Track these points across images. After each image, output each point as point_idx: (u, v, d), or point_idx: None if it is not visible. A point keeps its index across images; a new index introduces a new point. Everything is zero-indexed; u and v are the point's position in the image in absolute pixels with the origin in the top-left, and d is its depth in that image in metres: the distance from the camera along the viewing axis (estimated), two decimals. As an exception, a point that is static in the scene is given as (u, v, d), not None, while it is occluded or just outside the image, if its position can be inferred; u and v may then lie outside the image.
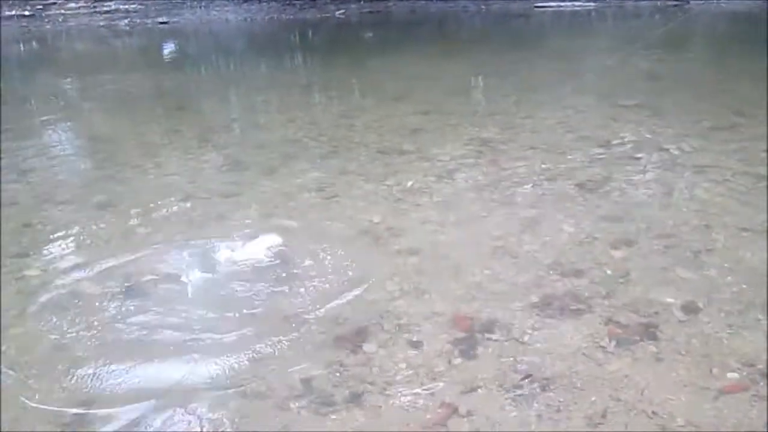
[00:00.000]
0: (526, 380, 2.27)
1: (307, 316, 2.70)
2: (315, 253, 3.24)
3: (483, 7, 15.95)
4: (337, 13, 16.06)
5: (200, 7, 16.04)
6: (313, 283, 2.96)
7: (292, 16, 15.67)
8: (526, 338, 2.51)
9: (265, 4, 16.43)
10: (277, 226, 3.55)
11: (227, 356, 2.45)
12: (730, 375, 2.25)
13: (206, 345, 2.53)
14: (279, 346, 2.51)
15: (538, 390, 2.22)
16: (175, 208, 3.91)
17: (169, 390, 2.27)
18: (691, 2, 15.36)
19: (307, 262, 3.16)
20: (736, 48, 10.27)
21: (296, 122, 5.92)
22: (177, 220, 3.75)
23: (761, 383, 2.20)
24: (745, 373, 2.27)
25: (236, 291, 2.92)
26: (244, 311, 2.75)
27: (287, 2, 16.50)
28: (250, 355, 2.45)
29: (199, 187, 4.26)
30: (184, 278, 3.05)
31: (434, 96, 6.86)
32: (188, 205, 3.95)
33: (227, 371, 2.37)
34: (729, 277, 2.89)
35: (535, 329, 2.56)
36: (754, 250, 3.11)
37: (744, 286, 2.80)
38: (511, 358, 2.39)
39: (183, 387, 2.29)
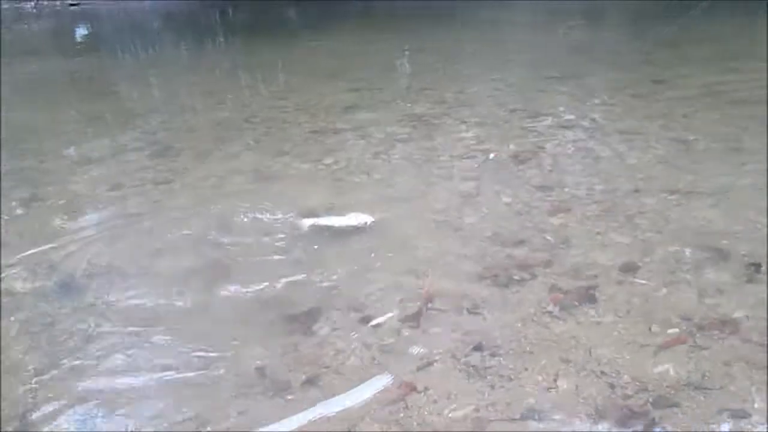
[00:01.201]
0: (478, 351, 2.31)
1: (254, 300, 2.67)
2: (257, 236, 3.19)
3: (409, -18, 15.90)
4: (257, -9, 15.67)
5: (113, -12, 15.35)
6: (258, 267, 2.91)
7: (208, -5, 15.19)
8: (474, 309, 2.55)
9: (182, -17, 15.86)
10: (214, 211, 3.48)
11: (178, 344, 2.39)
12: (669, 330, 2.36)
13: (154, 335, 2.46)
14: (227, 332, 2.47)
15: (490, 359, 2.26)
16: (105, 199, 3.76)
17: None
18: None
19: (250, 245, 3.10)
20: (649, 20, 10.65)
21: (226, 104, 5.79)
22: (108, 212, 3.61)
23: (697, 335, 2.31)
24: (683, 327, 2.38)
25: (177, 276, 2.85)
26: (191, 295, 2.69)
27: (204, -20, 15.96)
28: (200, 344, 2.40)
29: (129, 175, 4.10)
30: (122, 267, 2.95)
31: (366, 73, 6.83)
32: (119, 194, 3.80)
33: (179, 360, 2.31)
34: (661, 238, 3.01)
35: (483, 300, 2.61)
36: (682, 211, 3.26)
37: (675, 246, 2.93)
38: (462, 330, 2.43)
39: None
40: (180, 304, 2.68)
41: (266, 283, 2.78)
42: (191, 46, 9.78)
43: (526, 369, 2.20)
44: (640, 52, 7.40)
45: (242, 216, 3.41)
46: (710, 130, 4.38)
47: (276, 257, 3.01)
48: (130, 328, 2.51)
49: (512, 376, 2.17)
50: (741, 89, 5.46)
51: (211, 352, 2.36)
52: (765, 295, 2.54)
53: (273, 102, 5.83)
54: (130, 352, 2.38)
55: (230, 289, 2.76)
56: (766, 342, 2.27)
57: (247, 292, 2.74)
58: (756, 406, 1.98)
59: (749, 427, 1.92)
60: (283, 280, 2.82)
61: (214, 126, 5.12)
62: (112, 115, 5.60)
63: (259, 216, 3.41)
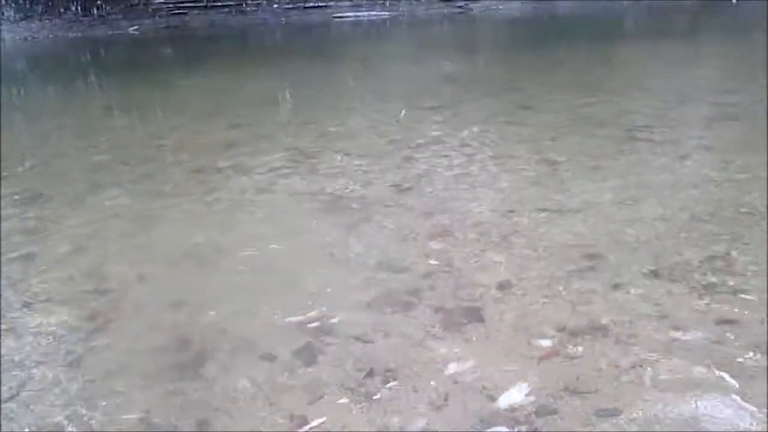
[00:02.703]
0: (369, 377, 2.34)
1: (138, 347, 2.57)
2: (140, 280, 3.08)
3: (283, 19, 16.08)
4: (131, 29, 15.30)
5: (-33, 28, 14.45)
6: (141, 312, 2.81)
7: (80, 34, 14.65)
8: (364, 337, 2.59)
9: (47, 21, 15.16)
10: (90, 259, 3.33)
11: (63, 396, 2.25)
12: (545, 341, 2.50)
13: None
14: (113, 379, 2.36)
15: (380, 385, 2.30)
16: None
17: None
18: (474, 9, 16.70)
19: (131, 292, 2.99)
20: (517, 49, 11.35)
21: (100, 147, 5.57)
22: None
23: (571, 343, 2.47)
24: (559, 337, 2.53)
25: (47, 332, 2.69)
26: (65, 347, 2.55)
27: (74, 19, 15.34)
28: (85, 394, 2.28)
29: (-7, 226, 3.85)
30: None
31: (245, 109, 6.81)
32: (-17, 247, 3.55)
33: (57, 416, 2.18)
34: (534, 254, 3.20)
35: (372, 327, 2.65)
36: (552, 228, 3.48)
37: (548, 261, 3.12)
38: (353, 359, 2.45)
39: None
40: (58, 351, 2.54)
41: (148, 329, 2.69)
42: (59, 87, 9.35)
43: (416, 391, 2.26)
44: (508, 80, 7.86)
45: (119, 262, 3.28)
46: (575, 151, 4.72)
47: (158, 299, 2.91)
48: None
49: (404, 400, 2.22)
50: (601, 112, 5.94)
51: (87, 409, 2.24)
52: (629, 300, 2.76)
53: (151, 142, 5.67)
54: None
55: (107, 340, 2.64)
56: (632, 342, 2.46)
57: (127, 340, 2.63)
58: (624, 403, 2.14)
59: (621, 422, 2.06)
60: (168, 323, 2.73)
61: (88, 170, 4.91)
62: (-28, 162, 5.23)
63: (140, 259, 3.30)
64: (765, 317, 2.59)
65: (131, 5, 16.03)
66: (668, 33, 13.18)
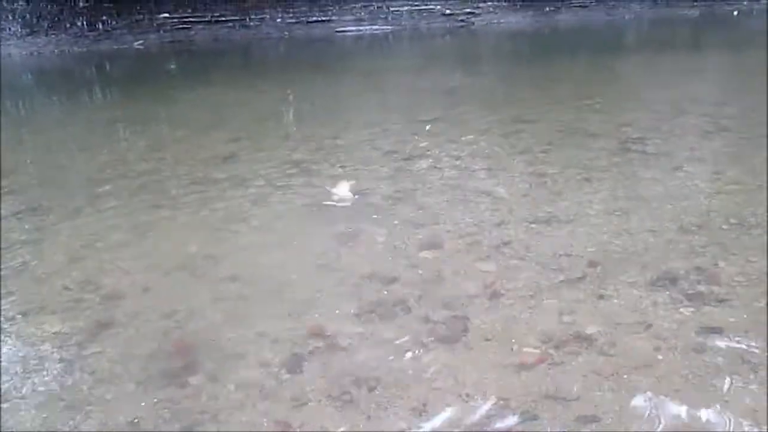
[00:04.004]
0: (354, 386, 2.38)
1: (129, 355, 2.62)
2: (133, 290, 3.13)
3: (286, 33, 16.23)
4: (136, 44, 15.46)
5: (-25, 43, 14.63)
6: (133, 321, 2.86)
7: (85, 49, 14.81)
8: (351, 346, 2.63)
9: (53, 36, 15.33)
10: (85, 270, 3.39)
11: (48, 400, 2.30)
12: (529, 350, 2.53)
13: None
14: (104, 387, 2.41)
15: (365, 393, 2.34)
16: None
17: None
18: (476, 22, 16.83)
19: (124, 302, 3.04)
20: (516, 62, 11.44)
21: (101, 160, 5.64)
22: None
23: (554, 353, 2.50)
24: (544, 346, 2.56)
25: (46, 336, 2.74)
26: (59, 354, 2.60)
27: (79, 34, 15.51)
28: (78, 398, 2.33)
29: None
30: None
31: (245, 123, 6.89)
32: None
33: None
34: (524, 264, 3.24)
35: (359, 336, 2.69)
36: (542, 238, 3.52)
37: (536, 271, 3.16)
38: (339, 367, 2.50)
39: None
40: (52, 359, 2.59)
41: (140, 337, 2.74)
42: (65, 101, 9.47)
43: (400, 398, 2.30)
44: (506, 93, 7.93)
45: (113, 272, 3.33)
46: (566, 163, 4.76)
47: (152, 309, 2.96)
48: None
49: (386, 407, 2.26)
50: (593, 125, 5.99)
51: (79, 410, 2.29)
52: (614, 310, 2.79)
53: (150, 155, 5.74)
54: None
55: (99, 348, 2.69)
56: (615, 352, 2.50)
57: (121, 345, 2.69)
58: (604, 410, 2.17)
59: (600, 428, 2.10)
60: (160, 331, 2.78)
61: (88, 182, 4.98)
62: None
63: (134, 269, 3.35)
64: (748, 326, 2.62)
65: (136, 20, 16.21)
66: (667, 45, 13.27)
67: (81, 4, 15.43)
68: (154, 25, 16.39)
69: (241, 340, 2.69)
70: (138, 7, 16.28)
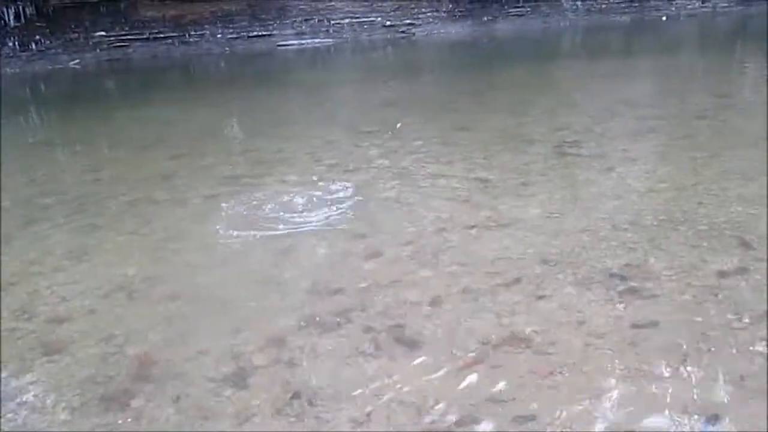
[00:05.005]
0: (296, 398, 2.38)
1: (69, 381, 2.56)
2: (69, 315, 3.06)
3: (227, 48, 16.09)
4: (72, 63, 15.08)
5: None
6: (69, 347, 2.79)
7: (18, 70, 14.36)
8: (293, 360, 2.63)
9: (-18, 59, 14.82)
10: (20, 296, 3.29)
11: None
12: (469, 354, 2.58)
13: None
14: (38, 416, 2.34)
15: (308, 405, 2.34)
16: None
17: None
18: (416, 33, 17.05)
19: (60, 328, 2.97)
20: (456, 71, 11.62)
21: (35, 182, 5.48)
22: None
23: (493, 356, 2.56)
24: (483, 349, 2.61)
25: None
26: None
27: (11, 55, 15.04)
28: (12, 429, 2.26)
29: None
30: None
31: (186, 140, 6.80)
32: None
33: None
34: (463, 270, 3.29)
35: (302, 349, 2.69)
36: (481, 243, 3.59)
37: (475, 275, 3.22)
38: (281, 381, 2.49)
39: None
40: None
41: (76, 363, 2.67)
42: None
43: (342, 409, 2.31)
44: (446, 102, 8.05)
45: (48, 299, 3.25)
46: (505, 169, 4.87)
47: (89, 334, 2.90)
48: None
49: (329, 419, 2.26)
50: (533, 130, 6.14)
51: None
52: (551, 309, 2.87)
53: (87, 176, 5.61)
54: None
55: (38, 373, 2.62)
56: (552, 351, 2.57)
57: (57, 373, 2.62)
58: (541, 409, 2.23)
59: (536, 426, 2.15)
60: (98, 356, 2.73)
61: (21, 206, 4.83)
62: None
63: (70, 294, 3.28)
64: (680, 319, 2.73)
65: (71, 39, 15.81)
66: (601, 51, 13.69)
67: (12, 24, 14.98)
68: (90, 43, 16.03)
69: (183, 360, 2.66)
70: (73, 26, 15.90)
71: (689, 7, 20.99)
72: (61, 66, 14.87)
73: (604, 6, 19.94)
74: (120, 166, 5.91)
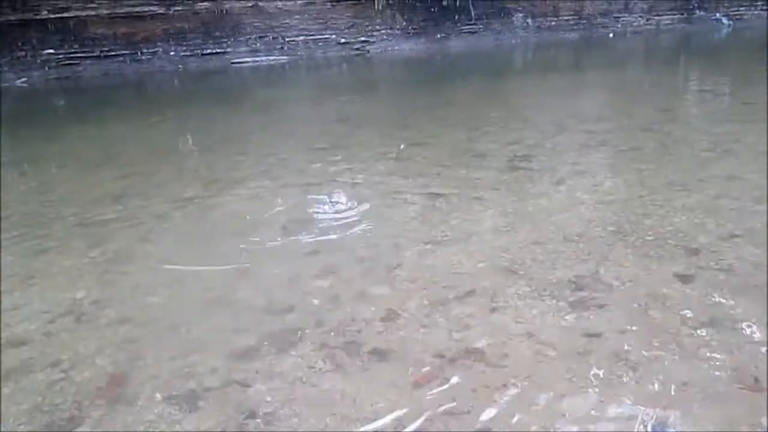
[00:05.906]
0: (251, 419, 2.35)
1: (12, 410, 2.47)
2: (14, 342, 2.96)
3: (180, 66, 15.95)
4: (18, 81, 14.75)
5: None
6: (15, 374, 2.70)
7: (-40, 90, 13.96)
8: (246, 381, 2.59)
9: None
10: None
11: None
12: (423, 369, 2.59)
13: None
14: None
15: (262, 426, 2.32)
16: None
17: None
18: (371, 50, 17.18)
19: (6, 354, 2.87)
20: (410, 88, 11.74)
21: (-22, 205, 5.31)
22: None
23: (447, 369, 2.57)
24: (437, 365, 2.62)
25: None
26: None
27: (-47, 74, 14.63)
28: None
29: None
30: None
31: (137, 159, 6.70)
32: None
33: None
34: (417, 285, 3.31)
35: (254, 370, 2.66)
36: (434, 258, 3.61)
37: (428, 290, 3.24)
38: (235, 402, 2.46)
39: None
40: None
41: (23, 390, 2.59)
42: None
43: (297, 427, 2.29)
44: (400, 119, 8.12)
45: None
46: (458, 184, 4.92)
47: (35, 360, 2.81)
48: None
49: (283, 438, 2.24)
50: (483, 145, 6.23)
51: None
52: (504, 322, 2.90)
53: (33, 197, 5.47)
54: None
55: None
56: (505, 363, 2.60)
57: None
58: (495, 421, 2.25)
59: (489, 440, 2.17)
60: (44, 383, 2.65)
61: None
62: None
63: (15, 319, 3.17)
64: (625, 328, 2.79)
65: (18, 57, 15.47)
66: (552, 67, 14.02)
67: (-45, 43, 14.58)
68: (38, 61, 15.71)
69: (132, 384, 2.60)
70: (20, 44, 15.58)
71: (634, 24, 21.71)
72: (6, 84, 14.52)
73: (553, 24, 20.48)
74: (69, 185, 5.79)
